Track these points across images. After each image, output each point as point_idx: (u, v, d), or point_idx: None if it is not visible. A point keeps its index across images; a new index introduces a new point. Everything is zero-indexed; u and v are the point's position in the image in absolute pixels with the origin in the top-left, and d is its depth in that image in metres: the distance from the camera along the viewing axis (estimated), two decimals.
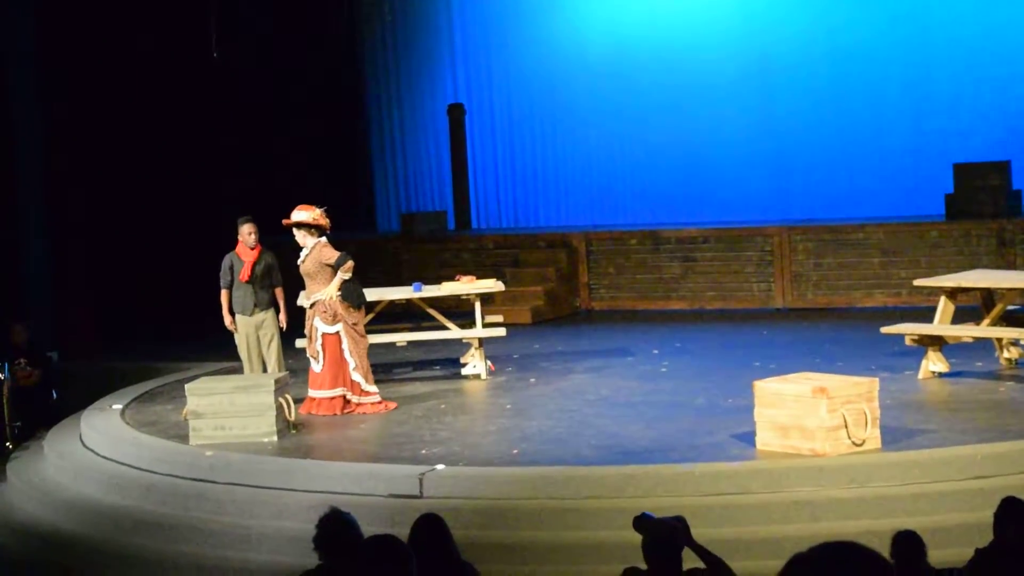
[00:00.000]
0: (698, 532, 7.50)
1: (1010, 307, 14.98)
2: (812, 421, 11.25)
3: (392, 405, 14.55)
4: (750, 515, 10.77)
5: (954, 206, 20.33)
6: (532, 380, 15.92)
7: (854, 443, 11.30)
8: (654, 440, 12.41)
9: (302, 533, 9.49)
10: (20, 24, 20.15)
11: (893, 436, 11.70)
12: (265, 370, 14.85)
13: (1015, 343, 14.76)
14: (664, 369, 16.24)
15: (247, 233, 15.03)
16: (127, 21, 21.57)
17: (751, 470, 11.20)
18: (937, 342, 14.55)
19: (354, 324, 14.39)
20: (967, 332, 14.68)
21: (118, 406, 15.58)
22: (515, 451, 12.37)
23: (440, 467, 11.71)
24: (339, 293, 14.27)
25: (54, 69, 20.16)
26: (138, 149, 21.87)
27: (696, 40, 24.24)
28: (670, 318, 20.68)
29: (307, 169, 24.53)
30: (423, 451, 12.47)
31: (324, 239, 14.47)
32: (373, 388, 14.50)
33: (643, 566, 7.41)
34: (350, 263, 14.34)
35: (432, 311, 16.40)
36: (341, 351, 14.31)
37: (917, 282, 15.84)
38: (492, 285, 16.61)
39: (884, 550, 7.66)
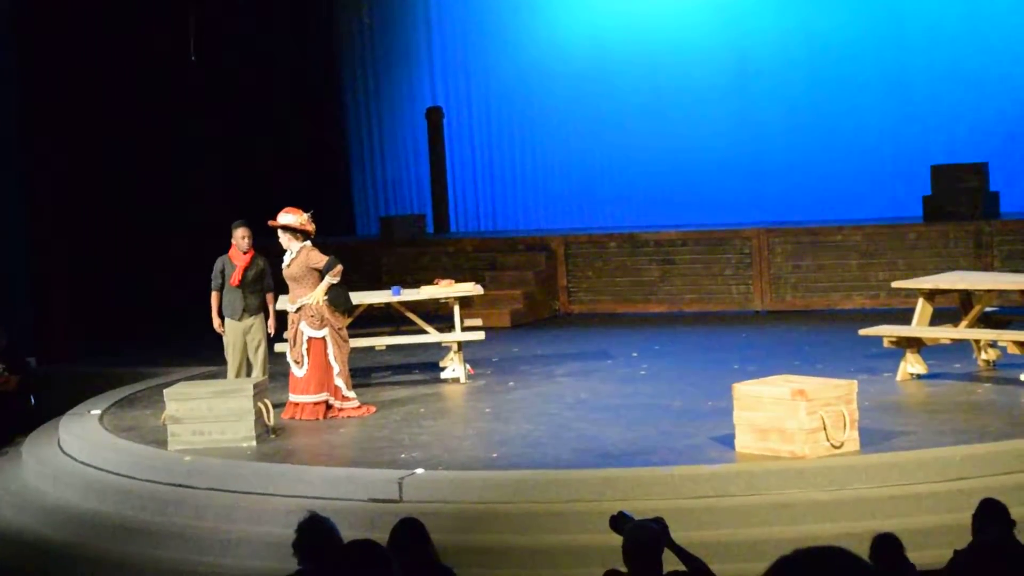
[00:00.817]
0: (678, 535, 7.51)
1: (988, 309, 15.02)
2: (791, 423, 11.26)
3: (372, 409, 14.54)
4: (729, 518, 10.79)
5: (932, 208, 20.38)
6: (511, 384, 15.92)
7: (833, 445, 11.32)
8: (633, 443, 12.42)
9: (281, 538, 9.49)
10: (0, 24, 20.08)
11: (872, 438, 11.72)
12: (250, 375, 14.82)
13: (993, 345, 14.79)
14: (643, 372, 16.25)
15: (240, 237, 14.99)
16: (108, 23, 21.52)
17: (730, 473, 11.21)
18: (915, 344, 14.58)
19: (339, 329, 14.39)
20: (945, 334, 14.71)
21: (96, 411, 15.54)
22: (494, 455, 12.37)
23: (419, 471, 11.70)
24: (327, 298, 14.25)
25: (33, 71, 20.09)
26: (118, 153, 21.81)
27: (675, 43, 24.26)
28: (649, 321, 20.69)
29: (286, 172, 24.49)
30: (402, 455, 12.46)
31: (309, 243, 14.45)
32: (352, 393, 14.49)
33: (623, 569, 7.42)
34: (339, 268, 14.34)
35: (411, 315, 16.39)
36: (326, 356, 14.29)
37: (895, 284, 15.88)
38: (471, 288, 16.60)
39: (863, 552, 7.68)
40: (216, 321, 14.95)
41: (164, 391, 13.83)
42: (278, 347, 15.53)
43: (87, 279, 20.86)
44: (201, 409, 13.30)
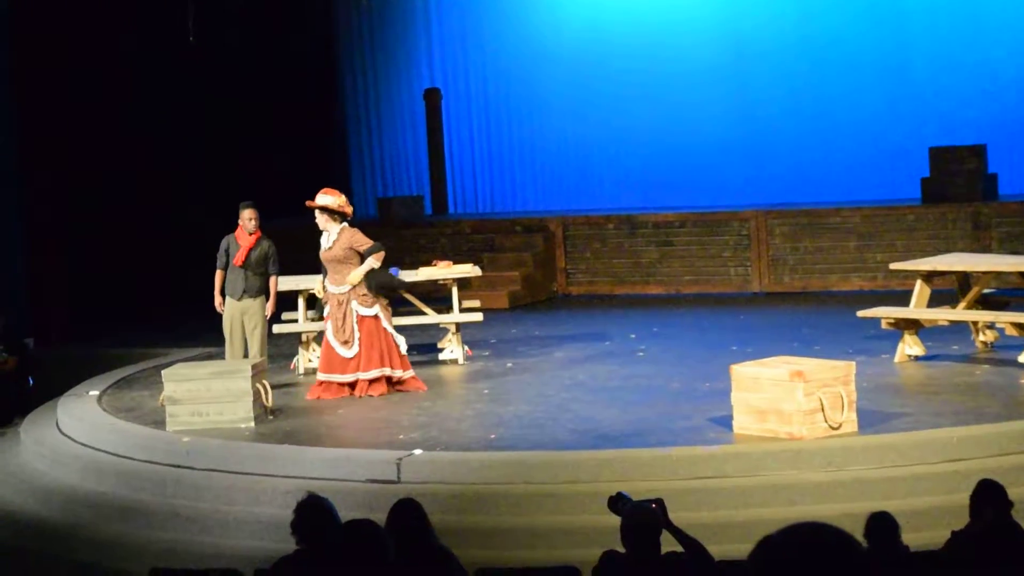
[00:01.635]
0: (676, 516, 7.52)
1: (986, 290, 15.03)
2: (789, 405, 11.27)
3: (424, 386, 14.59)
4: (727, 499, 10.80)
5: (930, 190, 20.38)
6: (509, 365, 15.92)
7: (831, 427, 11.33)
8: (631, 424, 12.43)
9: (280, 519, 9.51)
10: None
11: (870, 419, 11.74)
12: (247, 355, 14.81)
13: (991, 326, 14.80)
14: (641, 353, 16.26)
15: (247, 219, 15.00)
16: (102, 12, 21.48)
17: (728, 454, 11.22)
18: (913, 325, 14.58)
19: (386, 306, 14.45)
20: (943, 315, 14.72)
21: (95, 392, 15.55)
22: (492, 436, 12.38)
23: (417, 452, 11.71)
24: (376, 282, 14.25)
25: (28, 60, 20.06)
26: (113, 135, 21.78)
27: (673, 25, 24.22)
28: (647, 303, 20.70)
29: (284, 154, 24.47)
30: (400, 436, 12.47)
31: (347, 224, 14.44)
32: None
33: (621, 549, 7.43)
34: (382, 252, 14.36)
35: (409, 296, 16.39)
36: (384, 331, 14.31)
37: (893, 266, 15.87)
38: (469, 270, 16.61)
39: (860, 533, 7.70)
40: (218, 299, 14.96)
41: (162, 372, 13.83)
42: (288, 328, 15.57)
43: (84, 261, 20.85)
44: (199, 390, 13.31)
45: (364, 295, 14.29)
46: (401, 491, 10.18)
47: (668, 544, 7.35)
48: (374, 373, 14.28)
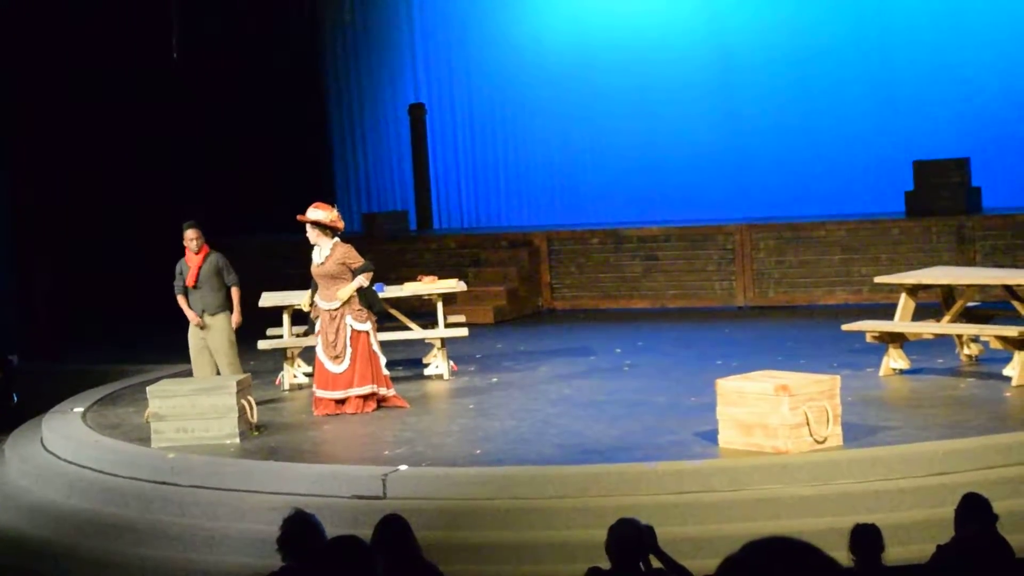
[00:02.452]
0: (662, 531, 7.53)
1: (970, 304, 15.06)
2: (774, 419, 11.28)
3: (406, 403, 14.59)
4: (713, 513, 10.80)
5: (914, 203, 20.43)
6: (495, 380, 15.92)
7: (816, 441, 11.34)
8: (617, 439, 12.42)
9: (265, 535, 9.48)
10: None
11: (855, 433, 11.74)
12: (218, 374, 14.77)
13: (975, 339, 14.83)
14: (627, 368, 16.26)
15: (189, 239, 14.92)
16: (88, 21, 21.48)
17: (714, 468, 11.22)
18: (898, 339, 14.60)
19: (375, 322, 14.44)
20: (928, 329, 14.74)
21: (79, 409, 15.51)
22: (478, 451, 12.37)
23: (403, 468, 11.70)
24: (362, 298, 14.23)
25: (13, 66, 20.04)
26: (99, 149, 21.78)
27: (658, 39, 24.27)
28: (632, 317, 20.71)
29: (268, 169, 24.48)
30: (386, 452, 12.46)
31: (338, 239, 14.43)
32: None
33: (606, 566, 7.43)
34: (372, 272, 14.36)
35: (394, 311, 16.39)
36: (371, 348, 14.30)
37: (878, 279, 15.89)
38: (454, 285, 16.60)
39: (846, 547, 7.70)
40: (190, 314, 14.87)
41: (147, 388, 13.80)
42: (273, 344, 15.52)
43: (70, 277, 20.83)
44: (184, 406, 13.28)
45: (359, 310, 14.27)
46: (387, 507, 10.17)
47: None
48: (366, 389, 14.27)
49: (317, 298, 14.42)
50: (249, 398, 13.59)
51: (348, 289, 14.21)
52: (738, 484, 11.04)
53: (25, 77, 20.18)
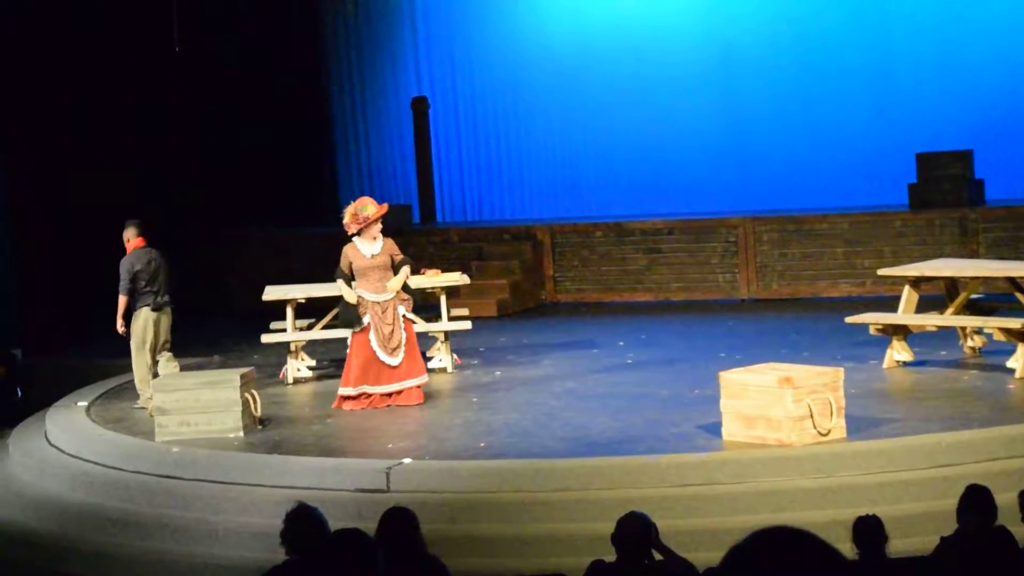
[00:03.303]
0: (665, 524, 7.55)
1: (973, 296, 15.05)
2: (778, 411, 11.28)
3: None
4: (717, 506, 10.80)
5: (917, 195, 20.41)
6: (498, 373, 15.92)
7: (820, 433, 11.34)
8: (620, 432, 12.43)
9: (269, 529, 9.49)
10: None
11: (858, 425, 11.74)
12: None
13: (978, 331, 14.82)
14: (630, 361, 16.26)
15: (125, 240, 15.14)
16: (87, 19, 21.47)
17: (717, 461, 11.23)
18: (901, 331, 14.60)
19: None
20: (931, 321, 14.74)
21: (83, 403, 15.53)
22: (481, 444, 12.37)
23: (407, 461, 11.70)
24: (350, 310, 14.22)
25: (11, 65, 20.04)
26: (99, 144, 21.76)
27: (659, 31, 24.25)
28: (635, 310, 20.71)
29: (271, 163, 24.47)
30: (389, 445, 12.46)
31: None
32: None
33: (610, 558, 7.44)
34: (411, 264, 14.42)
35: None
36: (415, 337, 14.33)
37: (881, 271, 15.89)
38: (457, 278, 16.61)
39: (849, 539, 7.71)
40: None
41: (151, 382, 13.81)
42: (276, 338, 15.55)
43: (73, 271, 20.82)
44: (188, 400, 13.28)
45: (407, 299, 14.27)
46: (391, 500, 10.17)
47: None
48: (424, 379, 14.29)
49: (362, 291, 14.15)
50: (253, 392, 13.60)
51: (399, 279, 14.15)
52: (741, 477, 11.05)
53: (25, 78, 20.17)
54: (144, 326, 14.89)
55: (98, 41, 21.62)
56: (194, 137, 23.25)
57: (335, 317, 16.29)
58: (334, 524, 7.61)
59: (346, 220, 14.19)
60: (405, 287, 14.29)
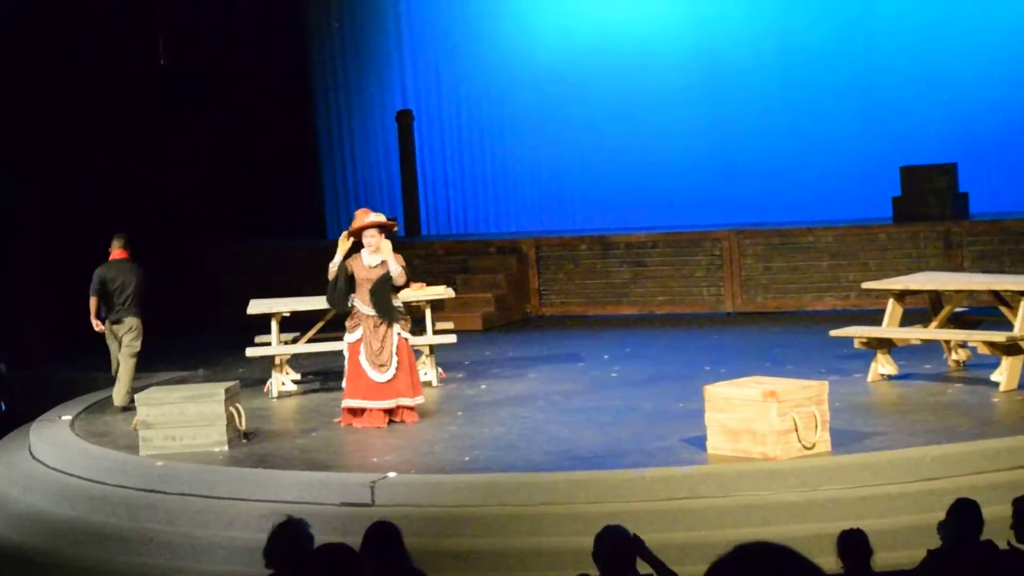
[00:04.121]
0: (650, 537, 7.53)
1: (958, 309, 15.07)
2: (762, 425, 11.28)
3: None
4: (701, 519, 10.81)
5: (901, 209, 20.44)
6: (483, 386, 15.92)
7: (804, 446, 11.34)
8: (605, 445, 12.42)
9: (253, 543, 9.47)
10: None
11: (843, 439, 11.75)
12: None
13: (963, 345, 14.84)
14: (615, 374, 16.26)
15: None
16: (74, 25, 21.45)
17: (702, 474, 11.23)
18: (886, 345, 14.62)
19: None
20: (915, 335, 14.76)
21: (67, 417, 15.50)
22: (467, 458, 12.37)
23: (392, 475, 11.69)
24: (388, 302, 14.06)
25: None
26: (87, 157, 21.73)
27: (645, 45, 24.28)
28: (620, 323, 20.72)
29: (256, 176, 24.46)
30: (374, 459, 12.45)
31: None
32: None
33: (594, 573, 7.43)
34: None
35: None
36: (411, 356, 14.11)
37: (865, 285, 15.91)
38: (442, 291, 16.60)
39: (834, 553, 7.71)
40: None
41: (135, 396, 13.79)
42: (261, 352, 15.53)
43: (57, 284, 20.77)
44: (172, 414, 13.26)
45: (404, 318, 14.16)
46: (376, 514, 10.15)
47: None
48: (419, 400, 14.07)
49: (359, 303, 13.98)
50: (237, 405, 13.58)
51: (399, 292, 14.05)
52: (726, 490, 11.05)
53: (7, 92, 20.16)
54: (107, 335, 15.79)
55: (86, 56, 21.59)
56: (181, 152, 23.22)
57: (320, 330, 16.31)
58: (319, 538, 7.59)
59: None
60: (401, 305, 14.20)
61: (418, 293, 16.34)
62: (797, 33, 23.42)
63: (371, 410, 13.89)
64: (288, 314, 16.18)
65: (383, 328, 13.86)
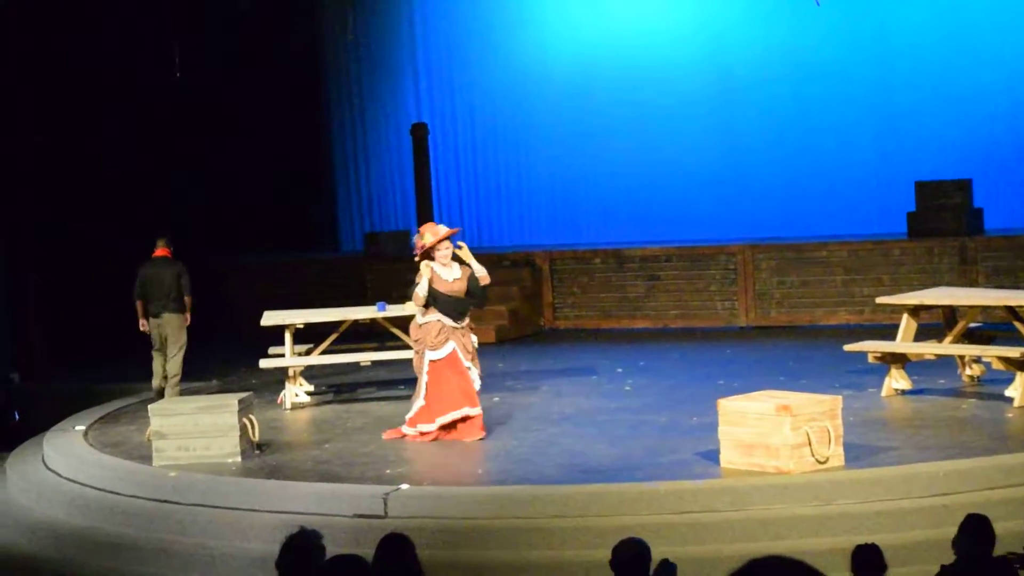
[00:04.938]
0: (662, 551, 7.52)
1: (972, 324, 15.05)
2: (776, 439, 11.27)
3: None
4: (714, 533, 10.79)
5: (916, 224, 20.42)
6: (496, 399, 15.90)
7: (818, 461, 11.33)
8: (619, 459, 12.41)
9: (266, 554, 9.47)
10: None
11: (856, 454, 11.73)
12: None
13: (977, 360, 14.82)
14: (628, 388, 16.25)
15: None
16: (84, 39, 21.50)
17: (715, 488, 11.21)
18: (900, 360, 14.60)
19: None
20: (929, 349, 14.73)
21: (81, 427, 15.52)
22: (479, 470, 12.36)
23: (405, 487, 11.69)
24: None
25: (3, 84, 20.05)
26: (95, 168, 21.78)
27: (659, 59, 24.28)
28: (634, 337, 20.71)
29: (271, 189, 24.49)
30: (387, 471, 12.45)
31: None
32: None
33: None
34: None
35: (396, 331, 16.38)
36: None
37: (880, 300, 15.88)
38: None
39: (848, 568, 7.69)
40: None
41: (149, 407, 13.81)
42: (275, 363, 15.55)
43: (69, 294, 20.82)
44: (186, 425, 13.27)
45: (474, 328, 14.13)
46: (388, 526, 10.16)
47: None
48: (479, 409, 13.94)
49: (444, 319, 13.76)
50: (251, 416, 13.59)
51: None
52: (739, 504, 11.03)
53: (14, 103, 20.20)
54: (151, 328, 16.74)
55: (95, 68, 21.64)
56: (194, 164, 23.26)
57: (334, 342, 16.33)
58: (331, 550, 7.58)
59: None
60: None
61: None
62: (811, 48, 23.41)
63: (472, 418, 13.70)
64: (301, 326, 16.20)
65: (466, 338, 13.81)
